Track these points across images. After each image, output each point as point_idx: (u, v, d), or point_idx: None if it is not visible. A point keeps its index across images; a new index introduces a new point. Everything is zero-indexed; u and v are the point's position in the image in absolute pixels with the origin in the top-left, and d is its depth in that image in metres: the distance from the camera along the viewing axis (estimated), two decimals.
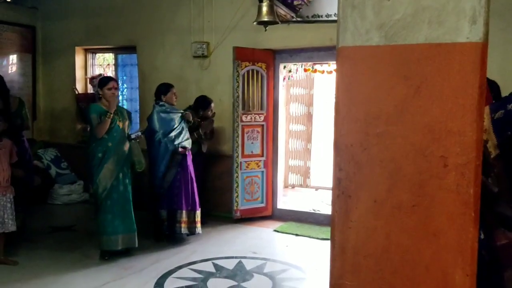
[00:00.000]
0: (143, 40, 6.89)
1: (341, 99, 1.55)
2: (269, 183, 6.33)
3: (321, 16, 5.71)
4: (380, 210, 1.49)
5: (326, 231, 5.47)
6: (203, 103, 5.80)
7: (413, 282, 1.46)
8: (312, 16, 5.75)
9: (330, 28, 5.39)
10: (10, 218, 4.44)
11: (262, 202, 6.28)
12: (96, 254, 4.75)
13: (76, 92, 7.53)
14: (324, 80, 7.84)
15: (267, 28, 5.08)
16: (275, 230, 5.83)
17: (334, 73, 2.14)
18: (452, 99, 1.39)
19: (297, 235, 5.64)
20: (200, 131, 5.65)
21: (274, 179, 6.40)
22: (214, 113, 5.88)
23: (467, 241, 1.38)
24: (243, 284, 4.19)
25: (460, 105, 1.39)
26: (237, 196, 6.02)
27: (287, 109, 7.72)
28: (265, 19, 4.79)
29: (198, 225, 5.22)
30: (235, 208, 6.01)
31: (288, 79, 6.97)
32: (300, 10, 5.72)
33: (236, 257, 4.81)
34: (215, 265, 4.60)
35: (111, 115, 4.55)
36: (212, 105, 5.83)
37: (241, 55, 5.90)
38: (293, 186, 8.11)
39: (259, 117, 6.17)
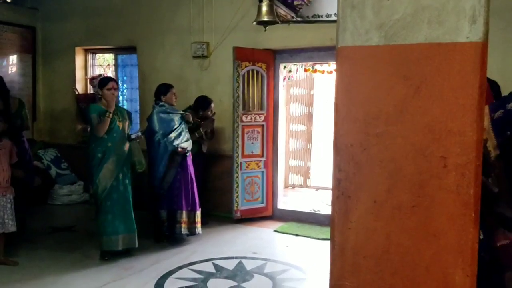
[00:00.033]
0: (143, 41, 6.89)
1: (340, 99, 1.54)
2: (269, 183, 6.32)
3: (321, 16, 5.70)
4: (380, 211, 1.48)
5: (327, 232, 5.47)
6: (203, 103, 5.80)
7: (413, 282, 1.46)
8: (312, 16, 5.75)
9: (330, 28, 5.38)
10: (10, 219, 4.43)
11: (262, 202, 6.27)
12: (96, 254, 4.74)
13: (76, 93, 7.53)
14: (324, 80, 7.84)
15: (266, 28, 5.07)
16: (275, 231, 5.82)
17: (334, 73, 2.13)
18: (452, 99, 1.39)
19: (297, 235, 5.64)
20: (201, 130, 5.64)
21: (274, 179, 6.39)
22: (214, 113, 5.87)
23: (467, 242, 1.37)
24: (243, 284, 4.18)
25: (460, 105, 1.38)
26: (237, 196, 6.01)
27: (287, 109, 7.72)
28: (265, 19, 4.78)
29: (198, 225, 5.22)
30: (235, 208, 6.01)
31: (288, 79, 6.97)
32: (300, 10, 5.72)
33: (236, 258, 4.81)
34: (215, 266, 4.59)
35: (111, 114, 4.55)
36: (212, 105, 5.82)
37: (241, 55, 5.89)
38: (293, 186, 8.11)
39: (259, 117, 6.16)
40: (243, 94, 5.99)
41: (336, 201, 1.56)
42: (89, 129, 4.93)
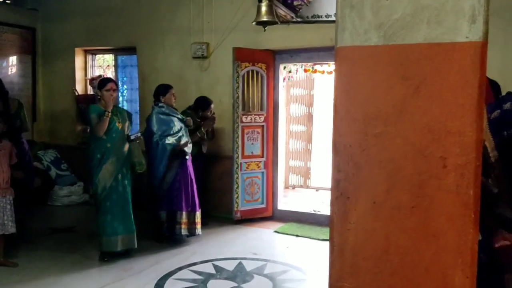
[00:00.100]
0: (143, 41, 6.89)
1: (339, 100, 1.54)
2: (270, 184, 6.31)
3: (321, 17, 5.70)
4: (379, 212, 1.48)
5: (327, 232, 5.43)
6: (203, 104, 5.79)
7: (412, 283, 1.45)
8: (312, 17, 5.75)
9: (330, 28, 5.36)
10: (10, 220, 4.43)
11: (262, 203, 6.27)
12: (96, 255, 4.74)
13: (76, 93, 7.52)
14: (324, 81, 7.83)
15: (266, 28, 5.07)
16: (275, 231, 5.82)
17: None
18: (451, 99, 1.38)
19: (297, 236, 5.63)
20: (202, 129, 5.63)
21: (275, 179, 6.38)
22: (214, 113, 5.85)
23: (467, 243, 1.37)
24: (243, 285, 4.17)
25: (460, 105, 1.37)
26: (237, 197, 6.01)
27: (287, 110, 7.72)
28: (264, 19, 4.77)
29: (198, 226, 5.21)
30: (235, 209, 6.00)
31: (288, 79, 6.97)
32: (300, 10, 5.72)
33: (236, 258, 4.80)
34: (215, 266, 4.59)
35: (109, 114, 4.56)
36: (212, 106, 5.82)
37: (241, 55, 5.89)
38: (293, 187, 8.10)
39: (259, 117, 6.16)
40: (243, 95, 5.98)
41: (335, 201, 1.56)
42: (88, 130, 4.93)
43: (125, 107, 7.22)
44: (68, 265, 4.57)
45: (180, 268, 4.52)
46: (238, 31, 6.13)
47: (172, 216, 5.08)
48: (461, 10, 1.35)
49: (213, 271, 4.49)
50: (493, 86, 3.01)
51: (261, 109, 6.18)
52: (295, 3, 5.66)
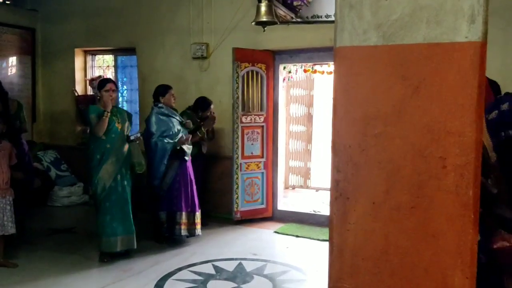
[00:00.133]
0: (142, 42, 6.89)
1: (338, 100, 1.53)
2: (269, 184, 6.31)
3: (321, 17, 5.70)
4: (379, 212, 1.47)
5: (327, 233, 5.42)
6: (202, 104, 5.78)
7: (412, 284, 1.45)
8: (312, 17, 5.75)
9: (329, 28, 5.34)
10: (9, 221, 4.42)
11: (262, 204, 6.26)
12: (96, 256, 4.73)
13: (76, 94, 7.52)
14: (324, 81, 7.83)
15: (265, 28, 5.06)
16: (275, 232, 5.81)
17: None
18: (451, 99, 1.38)
19: (297, 236, 5.63)
20: (203, 129, 5.63)
21: (274, 180, 6.38)
22: (214, 112, 5.84)
23: (467, 243, 1.36)
24: (243, 286, 4.17)
25: (459, 105, 1.37)
26: (237, 198, 6.00)
27: (287, 110, 7.71)
28: (264, 19, 4.77)
29: (198, 226, 5.21)
30: (235, 209, 6.00)
31: (288, 80, 6.96)
32: (300, 10, 5.72)
33: (236, 259, 4.80)
34: (215, 267, 4.58)
35: (108, 114, 4.56)
36: (212, 106, 5.81)
37: (241, 56, 5.88)
38: (293, 187, 8.10)
39: (259, 118, 6.15)
40: (243, 95, 5.98)
41: (334, 202, 1.55)
42: (88, 130, 4.94)
43: (125, 108, 7.21)
44: (68, 265, 4.57)
45: (180, 269, 4.52)
46: (238, 31, 6.12)
47: (172, 217, 5.08)
48: (460, 10, 1.35)
49: (213, 271, 4.48)
50: (493, 86, 3.01)
51: (261, 110, 6.18)
52: (295, 3, 5.66)
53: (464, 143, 1.36)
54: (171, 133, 5.07)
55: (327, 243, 1.60)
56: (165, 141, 5.03)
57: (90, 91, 7.63)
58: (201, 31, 6.41)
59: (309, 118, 8.08)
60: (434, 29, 1.38)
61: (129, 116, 4.98)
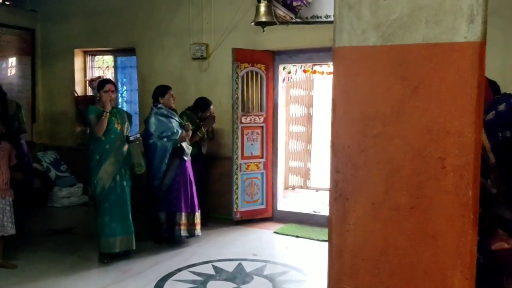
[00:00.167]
0: (142, 42, 6.89)
1: (337, 100, 1.53)
2: (269, 184, 6.31)
3: (320, 17, 5.70)
4: (378, 213, 1.47)
5: (327, 233, 5.39)
6: (202, 105, 5.78)
7: (411, 285, 1.44)
8: (312, 17, 5.75)
9: (329, 29, 5.32)
10: (9, 221, 4.42)
11: (262, 204, 6.26)
12: (95, 257, 4.73)
13: (76, 95, 7.52)
14: (323, 81, 7.82)
15: (265, 28, 5.06)
16: (275, 232, 5.81)
17: None
18: (450, 100, 1.37)
19: (297, 236, 5.62)
20: (203, 128, 5.62)
21: (274, 180, 6.38)
22: (213, 112, 5.84)
23: (466, 244, 1.36)
24: (243, 286, 4.17)
25: (459, 105, 1.36)
26: (237, 198, 6.00)
27: (287, 111, 7.71)
28: (263, 19, 4.77)
29: (198, 227, 5.20)
30: (235, 210, 5.99)
31: (288, 80, 6.96)
32: (300, 11, 5.71)
33: (236, 259, 4.79)
34: (215, 268, 4.58)
35: (107, 114, 4.56)
36: (212, 107, 5.81)
37: (240, 56, 5.88)
38: (293, 188, 8.09)
39: (259, 118, 6.15)
40: (243, 96, 5.98)
41: (333, 203, 1.55)
42: (88, 131, 4.94)
43: (124, 108, 7.21)
44: (67, 266, 4.57)
45: (179, 269, 4.51)
46: (238, 31, 6.12)
47: (171, 217, 5.07)
48: (459, 10, 1.34)
49: (212, 272, 4.48)
50: (493, 86, 3.01)
51: (261, 110, 6.18)
52: (294, 3, 5.66)
53: (463, 143, 1.36)
54: (169, 133, 5.06)
55: (327, 244, 1.60)
56: (165, 140, 5.02)
57: (89, 92, 7.63)
58: (200, 31, 6.41)
59: (308, 118, 8.08)
60: (433, 29, 1.38)
61: (129, 116, 4.98)
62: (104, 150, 4.58)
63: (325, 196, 7.21)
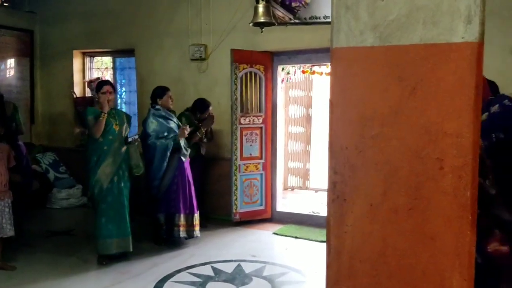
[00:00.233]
0: (141, 43, 6.88)
1: (335, 101, 1.53)
2: (268, 185, 6.30)
3: (319, 18, 5.69)
4: (376, 214, 1.46)
5: None
6: (201, 106, 5.78)
7: (410, 286, 1.44)
8: (310, 18, 5.74)
9: (328, 29, 5.27)
10: (8, 223, 4.42)
11: (261, 205, 6.25)
12: (94, 258, 4.72)
13: (74, 96, 7.50)
14: (322, 82, 7.82)
15: (263, 29, 5.06)
16: (274, 233, 5.80)
17: None
18: (448, 100, 1.37)
19: (296, 237, 5.62)
20: (202, 129, 5.62)
21: (273, 181, 6.37)
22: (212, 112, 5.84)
23: (465, 245, 1.35)
24: (242, 287, 4.16)
25: (456, 106, 1.36)
26: (236, 199, 5.99)
27: (286, 111, 7.71)
28: (261, 20, 4.77)
29: (197, 228, 5.20)
30: (234, 211, 5.99)
31: (287, 81, 6.96)
32: (298, 12, 5.70)
33: (235, 261, 4.79)
34: (214, 269, 4.57)
35: (105, 115, 4.56)
36: (211, 108, 5.80)
37: (239, 57, 5.88)
38: (292, 188, 8.09)
39: (258, 119, 6.15)
40: (241, 96, 5.97)
41: (331, 204, 1.54)
42: (87, 132, 4.93)
43: (123, 109, 7.20)
44: (66, 268, 4.56)
45: (178, 271, 4.51)
46: (236, 32, 6.12)
47: (170, 219, 5.07)
48: (457, 10, 1.34)
49: (211, 273, 4.47)
50: (492, 87, 3.01)
51: (260, 111, 6.17)
52: (293, 4, 5.65)
53: (461, 144, 1.35)
54: (166, 134, 5.06)
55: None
56: (163, 140, 5.02)
57: (88, 93, 7.62)
58: (199, 32, 6.41)
59: (308, 119, 8.08)
60: (430, 30, 1.37)
61: (128, 118, 4.97)
62: (102, 151, 4.58)
63: (325, 197, 7.16)
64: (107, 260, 4.65)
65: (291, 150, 8.06)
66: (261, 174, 6.22)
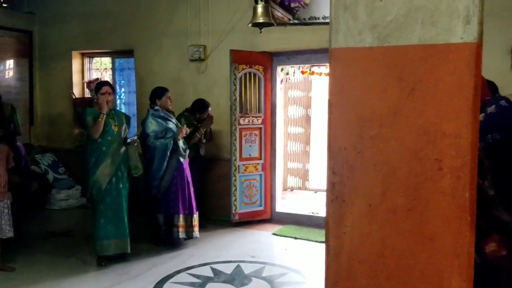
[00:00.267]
0: (140, 44, 6.88)
1: (333, 101, 1.53)
2: (268, 186, 6.30)
3: (318, 18, 5.69)
4: (375, 215, 1.46)
5: None
6: (200, 106, 5.78)
7: (408, 287, 1.43)
8: (309, 18, 5.74)
9: (327, 30, 5.26)
10: (7, 224, 4.41)
11: (260, 205, 6.25)
12: (93, 259, 4.71)
13: (73, 97, 7.50)
14: (322, 82, 7.81)
15: (262, 30, 5.06)
16: (273, 234, 5.80)
17: None
18: (446, 101, 1.37)
19: (296, 238, 5.61)
20: (201, 129, 5.62)
21: (273, 182, 6.37)
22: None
23: (463, 245, 1.35)
24: None
25: (455, 106, 1.36)
26: (235, 200, 5.99)
27: (285, 112, 7.70)
28: (261, 20, 4.77)
29: (196, 229, 5.19)
30: (233, 211, 5.98)
31: (286, 81, 6.96)
32: (297, 12, 5.71)
33: (234, 261, 4.78)
34: (213, 270, 4.57)
35: (104, 116, 4.55)
36: (210, 108, 5.80)
37: (238, 58, 5.88)
38: (292, 189, 8.08)
39: (257, 120, 6.14)
40: (241, 97, 5.97)
41: (330, 205, 1.54)
42: (86, 133, 4.93)
43: (122, 110, 7.20)
44: (65, 269, 4.55)
45: (178, 272, 4.50)
46: (235, 33, 6.12)
47: (169, 219, 5.06)
48: (456, 11, 1.34)
49: (211, 274, 4.47)
50: (491, 87, 3.01)
51: (259, 111, 6.17)
52: (292, 5, 5.65)
53: (460, 145, 1.35)
54: (164, 134, 5.06)
55: None
56: (163, 140, 5.02)
57: (87, 94, 7.62)
58: (198, 33, 6.41)
59: (307, 119, 8.07)
60: (429, 30, 1.37)
61: (127, 118, 4.97)
62: (100, 152, 4.58)
63: (324, 198, 7.18)
64: (106, 261, 4.64)
65: (291, 151, 8.05)
66: (261, 174, 6.22)
